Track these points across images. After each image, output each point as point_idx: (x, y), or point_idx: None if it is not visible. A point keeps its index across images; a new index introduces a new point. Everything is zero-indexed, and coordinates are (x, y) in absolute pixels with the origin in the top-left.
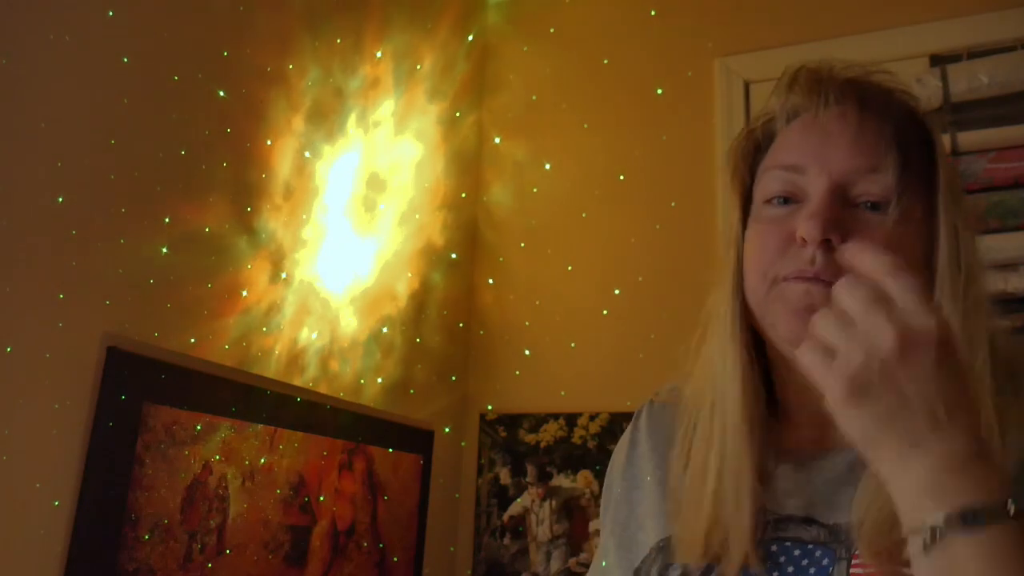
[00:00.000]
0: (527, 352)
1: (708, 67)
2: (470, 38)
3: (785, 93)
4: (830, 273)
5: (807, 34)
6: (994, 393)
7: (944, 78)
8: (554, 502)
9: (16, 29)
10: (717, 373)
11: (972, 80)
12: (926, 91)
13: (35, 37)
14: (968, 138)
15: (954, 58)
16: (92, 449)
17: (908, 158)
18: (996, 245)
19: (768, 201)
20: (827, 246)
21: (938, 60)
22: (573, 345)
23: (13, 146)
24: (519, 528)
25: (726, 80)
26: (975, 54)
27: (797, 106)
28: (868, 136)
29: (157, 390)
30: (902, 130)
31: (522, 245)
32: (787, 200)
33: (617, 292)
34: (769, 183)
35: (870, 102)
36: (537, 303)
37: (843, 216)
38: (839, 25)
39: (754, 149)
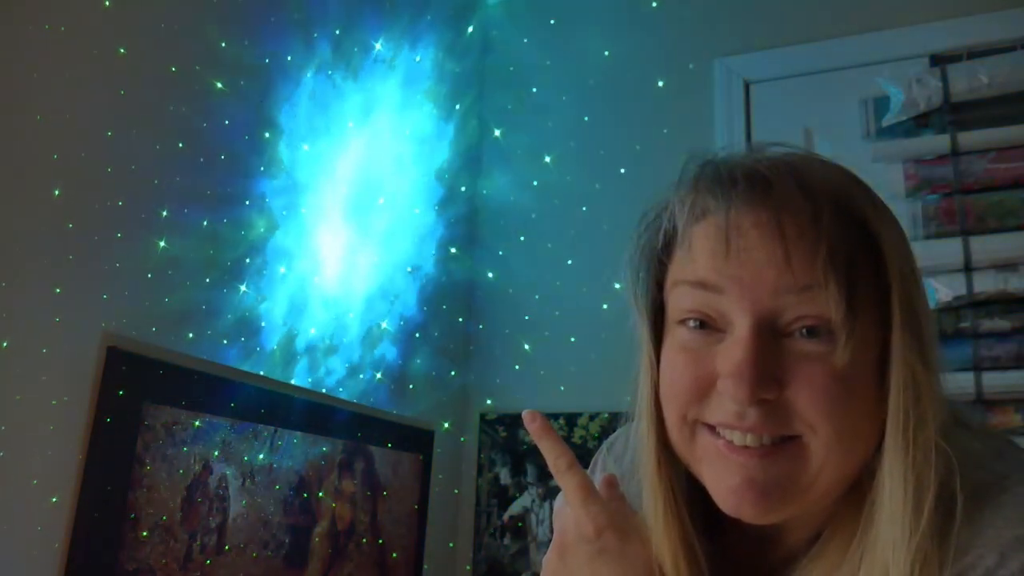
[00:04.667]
0: (527, 347)
1: (708, 66)
2: (470, 30)
3: (691, 190)
4: (769, 427)
5: (807, 34)
6: (940, 530)
7: (944, 78)
8: (554, 502)
9: (11, 20)
10: (647, 508)
11: (972, 80)
12: (926, 91)
13: (30, 28)
14: (968, 138)
15: (954, 58)
16: (92, 448)
17: (848, 263)
18: (996, 245)
19: (682, 321)
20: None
21: (938, 60)
22: (573, 340)
23: (9, 139)
24: (519, 527)
25: (726, 80)
26: (975, 54)
27: (705, 207)
28: (794, 246)
29: (157, 390)
30: (835, 230)
31: (522, 239)
32: (703, 324)
33: (618, 286)
34: (680, 299)
35: (792, 201)
36: (536, 298)
37: (776, 357)
38: (839, 25)
39: (662, 245)
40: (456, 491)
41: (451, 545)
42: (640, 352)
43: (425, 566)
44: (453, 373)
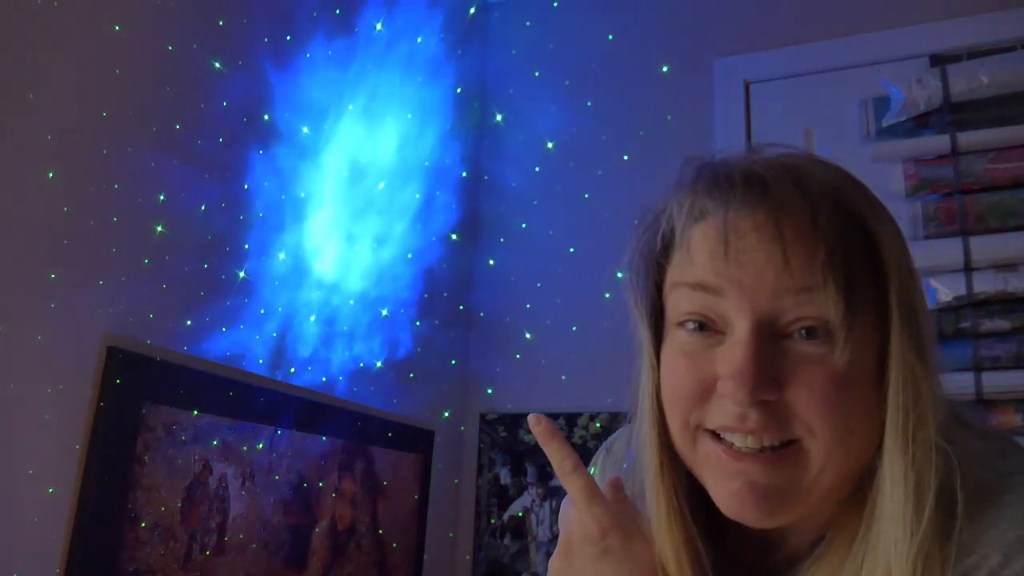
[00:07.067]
0: (528, 336)
1: (708, 66)
2: (471, 11)
3: (689, 193)
4: (770, 429)
5: (807, 34)
6: (942, 529)
7: (944, 78)
8: (554, 502)
9: None
10: (650, 510)
11: (972, 80)
12: (926, 91)
13: (23, 4)
14: (968, 138)
15: (954, 58)
16: (92, 449)
17: (846, 263)
18: (996, 245)
19: (681, 324)
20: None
21: (938, 60)
22: (574, 329)
23: (2, 119)
24: (519, 527)
25: (726, 80)
26: (975, 54)
27: (703, 209)
28: (792, 247)
29: (157, 390)
30: (833, 230)
31: (523, 226)
32: (703, 326)
33: (620, 276)
34: (679, 301)
35: (790, 202)
36: (538, 285)
37: (776, 359)
38: (839, 25)
39: (660, 248)
40: (456, 491)
41: (451, 545)
42: (640, 355)
43: (425, 566)
44: (454, 362)
